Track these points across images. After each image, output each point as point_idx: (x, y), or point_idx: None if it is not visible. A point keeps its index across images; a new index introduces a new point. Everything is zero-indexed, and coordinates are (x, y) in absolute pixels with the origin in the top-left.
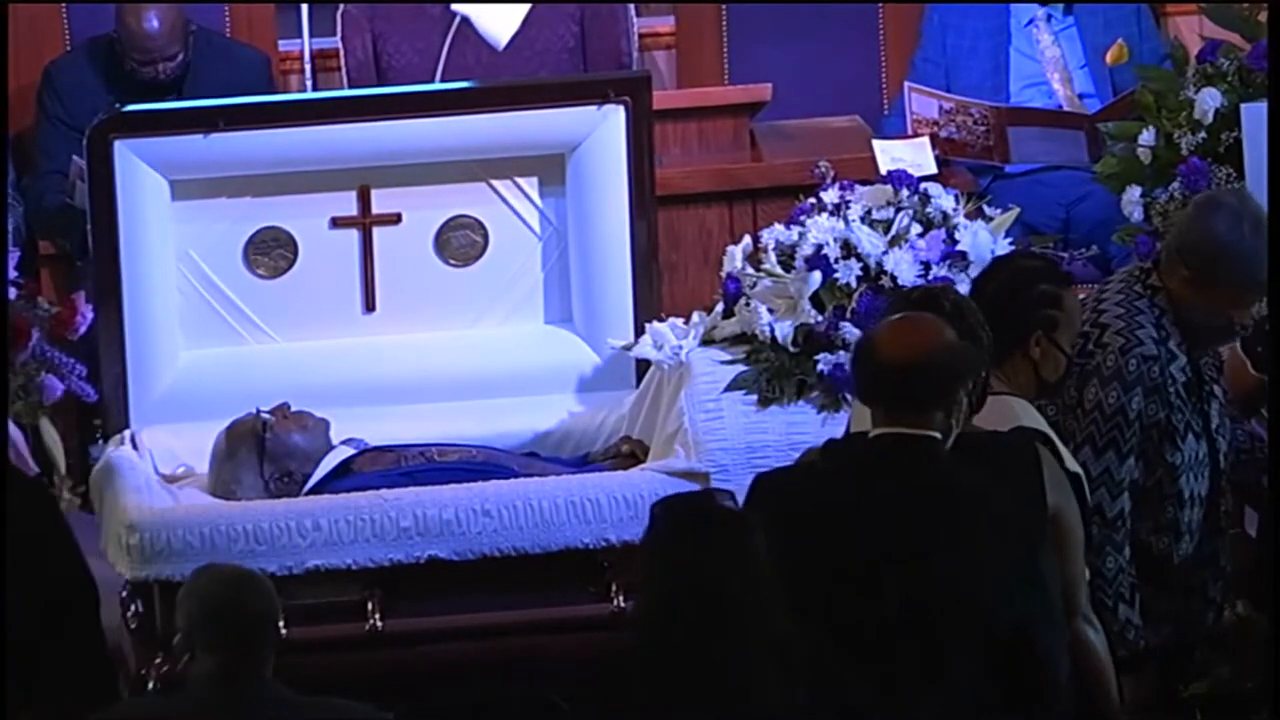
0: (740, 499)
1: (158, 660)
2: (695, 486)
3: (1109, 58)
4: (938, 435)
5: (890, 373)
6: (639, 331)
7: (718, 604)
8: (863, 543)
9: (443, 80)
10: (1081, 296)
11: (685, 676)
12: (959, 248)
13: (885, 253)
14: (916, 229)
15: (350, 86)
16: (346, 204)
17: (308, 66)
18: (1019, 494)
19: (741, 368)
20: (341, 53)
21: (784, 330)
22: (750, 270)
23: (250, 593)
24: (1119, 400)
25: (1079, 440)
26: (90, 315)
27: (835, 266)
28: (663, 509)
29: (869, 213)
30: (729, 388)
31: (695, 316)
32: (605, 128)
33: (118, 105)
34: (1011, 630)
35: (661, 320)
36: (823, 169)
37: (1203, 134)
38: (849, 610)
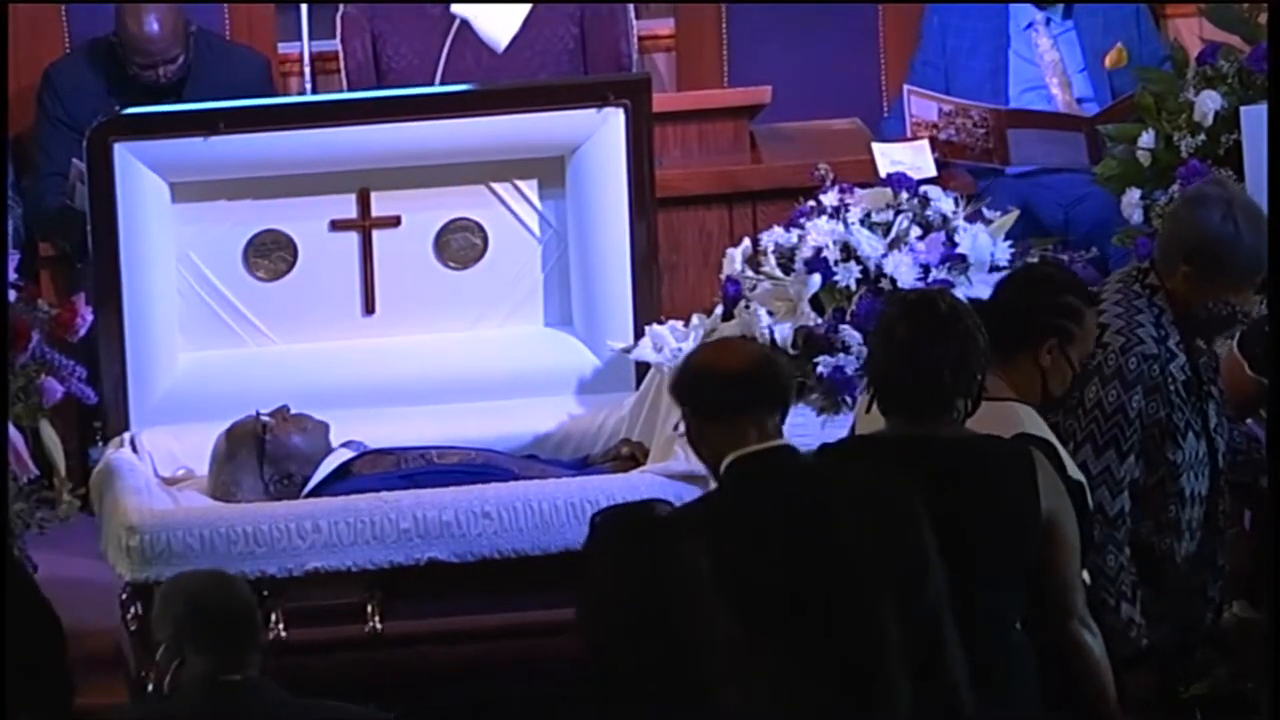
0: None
1: (143, 674)
2: (695, 489)
3: (1108, 61)
4: (789, 443)
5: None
6: (639, 334)
7: (658, 609)
8: (762, 563)
9: (442, 83)
10: None
11: (630, 682)
12: (958, 250)
13: (885, 255)
14: (916, 232)
15: (350, 89)
16: (346, 207)
17: (307, 69)
18: (1011, 497)
19: None
20: (341, 55)
21: (783, 332)
22: (750, 273)
23: (235, 590)
24: (1119, 399)
25: (1079, 439)
26: (90, 317)
27: (835, 269)
28: (601, 519)
29: (868, 215)
30: None
31: (695, 319)
32: (605, 130)
33: (118, 107)
34: (901, 617)
35: (661, 322)
36: (822, 171)
37: (1202, 136)
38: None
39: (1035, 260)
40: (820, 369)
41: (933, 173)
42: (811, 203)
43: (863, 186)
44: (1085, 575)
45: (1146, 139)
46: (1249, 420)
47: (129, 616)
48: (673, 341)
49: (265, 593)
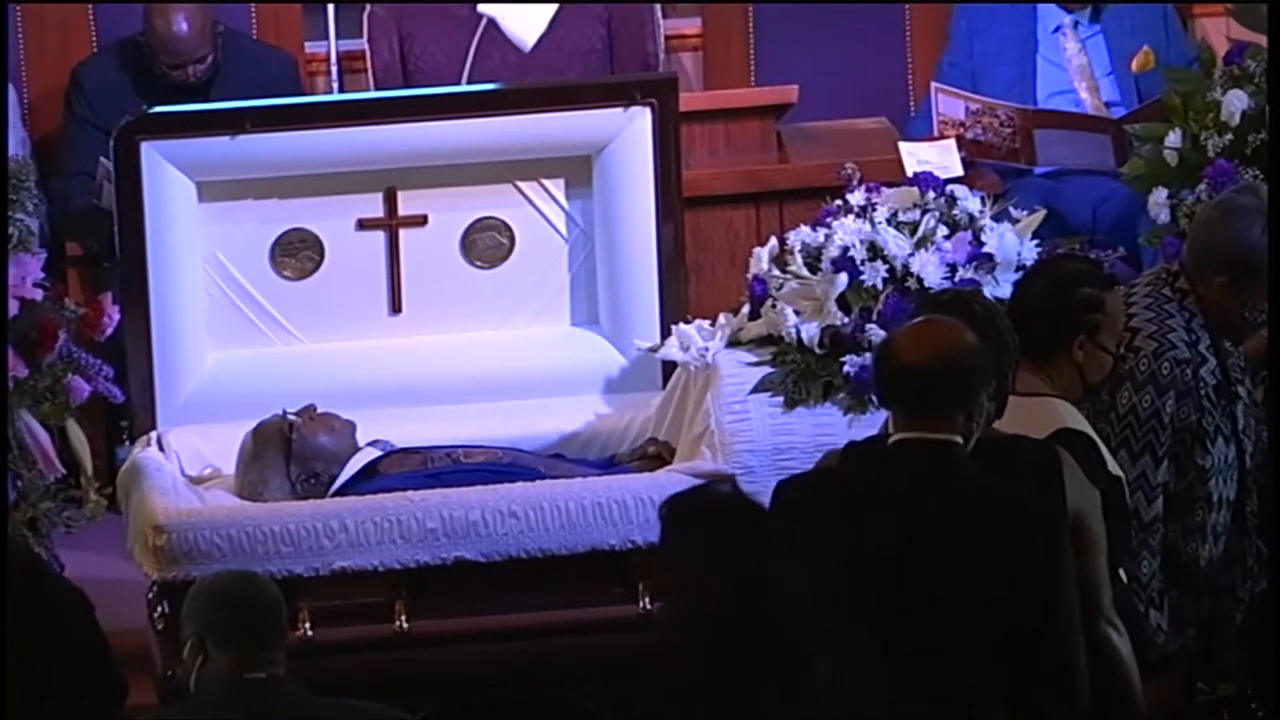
0: (765, 500)
1: (170, 673)
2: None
3: (1134, 64)
4: (959, 440)
5: (913, 375)
6: (665, 333)
7: (743, 591)
8: (885, 547)
9: (469, 82)
10: None
11: (723, 668)
12: (985, 250)
13: (911, 255)
14: (943, 231)
15: (377, 88)
16: (373, 206)
17: (334, 68)
18: (1037, 496)
19: (768, 369)
20: (368, 54)
21: (810, 332)
22: (776, 272)
23: (260, 588)
24: (1153, 404)
25: (1114, 445)
26: (117, 316)
27: (861, 268)
28: (668, 508)
29: (895, 214)
30: (755, 389)
31: (721, 318)
32: (632, 129)
33: (145, 107)
34: (1033, 633)
35: (688, 322)
36: (849, 171)
37: (1230, 135)
38: (871, 611)
39: (1045, 257)
40: (847, 368)
41: (959, 172)
42: (838, 202)
43: (890, 186)
44: (1122, 575)
45: (1173, 138)
46: None
47: (155, 615)
48: (699, 341)
49: (292, 592)
